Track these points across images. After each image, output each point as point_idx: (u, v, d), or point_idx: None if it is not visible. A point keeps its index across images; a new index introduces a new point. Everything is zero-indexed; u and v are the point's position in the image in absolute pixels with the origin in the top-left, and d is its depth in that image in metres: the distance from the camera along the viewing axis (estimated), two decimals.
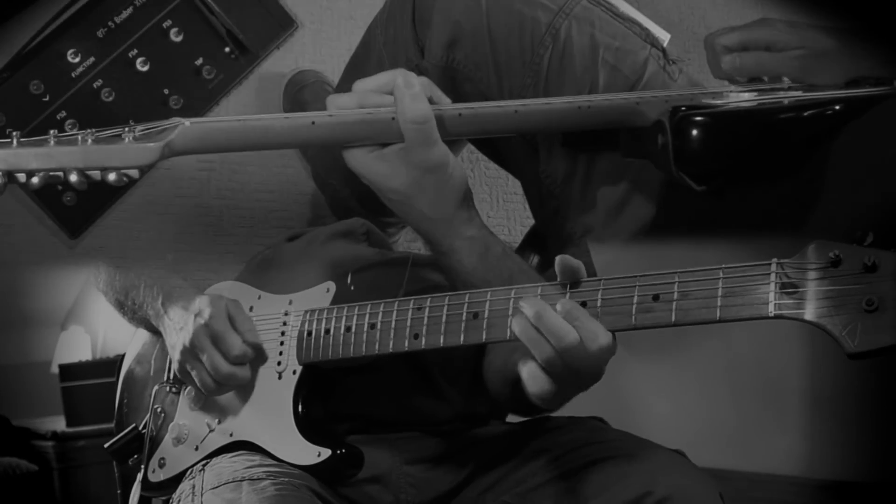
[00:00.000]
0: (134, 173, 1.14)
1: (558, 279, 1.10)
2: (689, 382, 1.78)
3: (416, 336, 1.20)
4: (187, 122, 1.18)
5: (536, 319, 1.06)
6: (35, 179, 1.12)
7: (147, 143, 1.14)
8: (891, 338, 0.95)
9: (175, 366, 1.38)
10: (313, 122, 1.23)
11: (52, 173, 1.12)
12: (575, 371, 1.08)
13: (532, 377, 1.09)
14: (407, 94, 1.22)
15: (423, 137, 1.22)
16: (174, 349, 1.37)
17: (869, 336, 0.95)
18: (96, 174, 1.13)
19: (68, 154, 1.12)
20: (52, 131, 1.13)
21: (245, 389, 1.36)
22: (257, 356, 1.35)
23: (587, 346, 1.06)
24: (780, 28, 1.34)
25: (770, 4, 1.43)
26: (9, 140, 1.11)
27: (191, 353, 1.33)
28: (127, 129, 1.15)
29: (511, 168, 1.62)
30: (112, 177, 1.13)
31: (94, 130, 1.14)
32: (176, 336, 1.37)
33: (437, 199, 1.25)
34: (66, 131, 1.97)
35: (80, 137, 1.13)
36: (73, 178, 1.12)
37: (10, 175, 1.11)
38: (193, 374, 1.34)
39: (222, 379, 1.32)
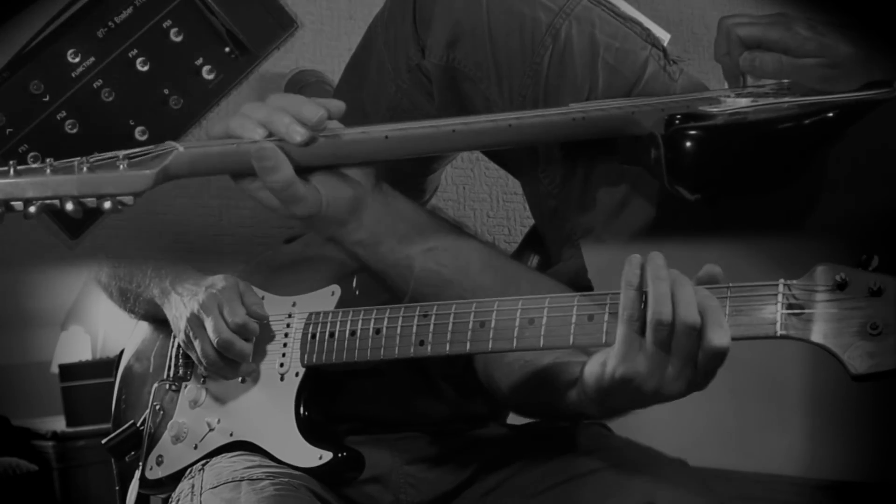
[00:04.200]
0: (129, 200, 1.15)
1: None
2: None
3: (422, 343, 1.20)
4: (181, 147, 1.19)
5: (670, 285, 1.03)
6: (32, 209, 1.14)
7: (141, 170, 1.16)
8: (894, 362, 0.97)
9: (181, 336, 1.38)
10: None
11: (48, 202, 1.14)
12: (676, 359, 1.02)
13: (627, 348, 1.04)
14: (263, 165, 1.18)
15: (285, 199, 1.21)
16: (181, 319, 1.37)
17: (873, 360, 0.97)
18: (91, 202, 1.14)
19: (64, 183, 1.13)
20: (48, 159, 1.15)
21: (246, 389, 1.36)
22: (257, 353, 1.35)
23: (708, 336, 1.01)
24: (801, 31, 1.32)
25: (770, 4, 1.42)
26: (6, 169, 1.14)
27: (196, 320, 1.34)
28: (122, 155, 1.16)
29: (511, 168, 1.62)
30: (107, 204, 1.15)
31: (88, 158, 1.15)
32: (184, 307, 1.37)
33: (319, 228, 1.27)
34: (66, 131, 1.99)
35: (75, 165, 1.14)
36: (69, 206, 1.14)
37: (6, 204, 1.14)
38: (196, 343, 1.34)
39: (222, 345, 1.31)
